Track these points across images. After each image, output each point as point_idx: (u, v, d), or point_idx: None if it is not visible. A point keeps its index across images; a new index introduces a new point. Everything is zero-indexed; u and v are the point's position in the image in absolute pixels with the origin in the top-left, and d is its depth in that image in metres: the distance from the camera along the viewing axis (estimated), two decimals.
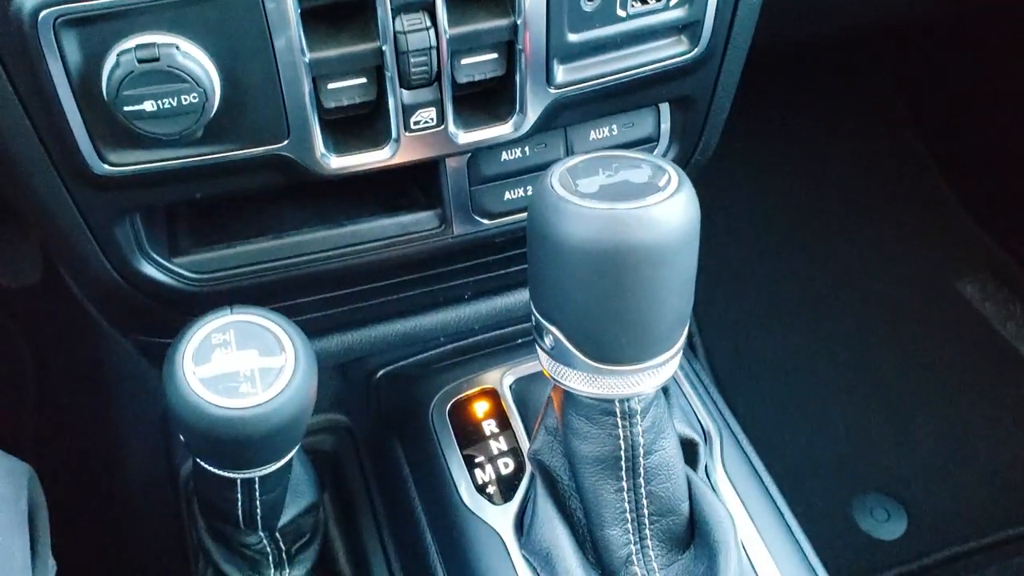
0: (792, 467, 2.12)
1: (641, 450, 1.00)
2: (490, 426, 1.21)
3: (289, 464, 1.06)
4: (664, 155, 1.26)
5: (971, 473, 2.09)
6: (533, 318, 0.97)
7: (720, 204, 2.55)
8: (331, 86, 1.02)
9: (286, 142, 1.03)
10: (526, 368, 1.25)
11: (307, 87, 1.00)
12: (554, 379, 0.98)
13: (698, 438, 1.10)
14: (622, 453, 0.99)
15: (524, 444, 1.19)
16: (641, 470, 1.01)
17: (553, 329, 0.94)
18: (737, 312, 2.37)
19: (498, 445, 1.20)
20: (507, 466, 1.18)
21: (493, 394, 1.24)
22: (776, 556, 1.07)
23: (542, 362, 0.98)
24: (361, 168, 1.08)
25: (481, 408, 1.23)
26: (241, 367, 0.93)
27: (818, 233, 2.54)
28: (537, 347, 0.98)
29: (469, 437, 1.20)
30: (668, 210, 0.86)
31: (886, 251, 2.50)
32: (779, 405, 2.22)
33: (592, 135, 1.21)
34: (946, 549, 1.98)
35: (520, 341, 1.33)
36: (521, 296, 1.39)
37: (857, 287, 2.43)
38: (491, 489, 1.16)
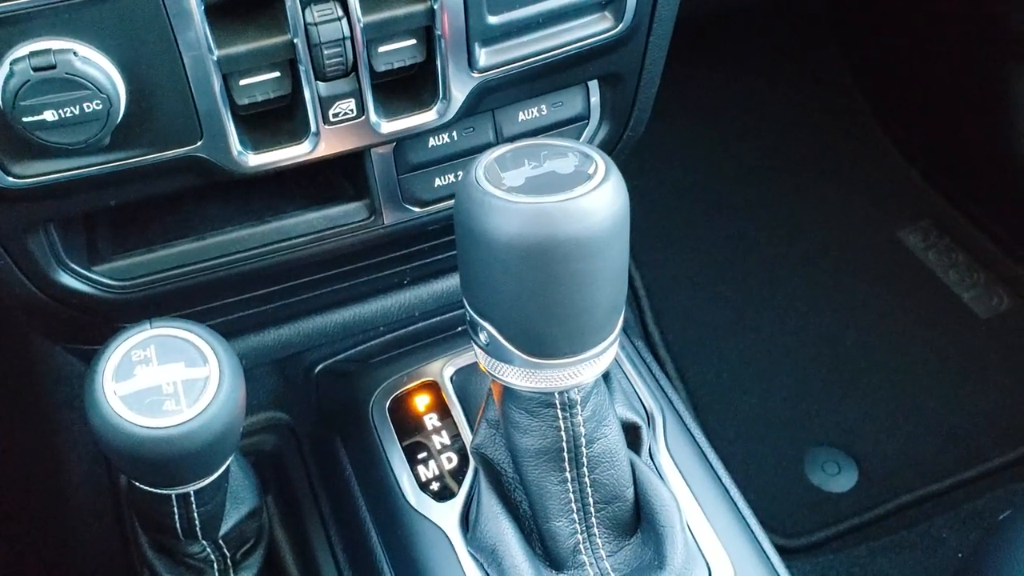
0: (744, 426, 2.13)
1: (583, 440, 0.99)
2: (432, 420, 1.19)
3: (225, 474, 1.03)
4: (595, 132, 1.24)
5: (919, 422, 2.12)
6: (467, 315, 0.95)
7: (661, 166, 2.53)
8: (243, 82, 0.98)
9: (200, 143, 0.99)
10: (467, 358, 1.22)
11: (217, 85, 0.96)
12: (491, 375, 0.96)
13: (641, 421, 1.09)
14: (564, 444, 0.98)
15: (467, 438, 1.17)
16: (584, 459, 1.00)
17: (487, 325, 0.92)
18: (683, 274, 2.37)
19: (441, 440, 1.17)
20: (451, 461, 1.16)
21: (434, 387, 1.21)
22: (722, 535, 1.07)
23: (479, 358, 0.96)
24: (281, 164, 1.05)
25: (422, 402, 1.20)
26: (163, 383, 0.90)
27: (760, 190, 2.54)
28: (473, 343, 0.96)
29: (411, 433, 1.18)
30: (595, 201, 0.84)
31: (828, 205, 2.50)
32: (729, 365, 2.23)
33: (521, 116, 1.18)
34: (897, 499, 2.01)
35: (460, 329, 1.30)
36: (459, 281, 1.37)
37: (800, 242, 2.44)
38: (435, 485, 1.14)
